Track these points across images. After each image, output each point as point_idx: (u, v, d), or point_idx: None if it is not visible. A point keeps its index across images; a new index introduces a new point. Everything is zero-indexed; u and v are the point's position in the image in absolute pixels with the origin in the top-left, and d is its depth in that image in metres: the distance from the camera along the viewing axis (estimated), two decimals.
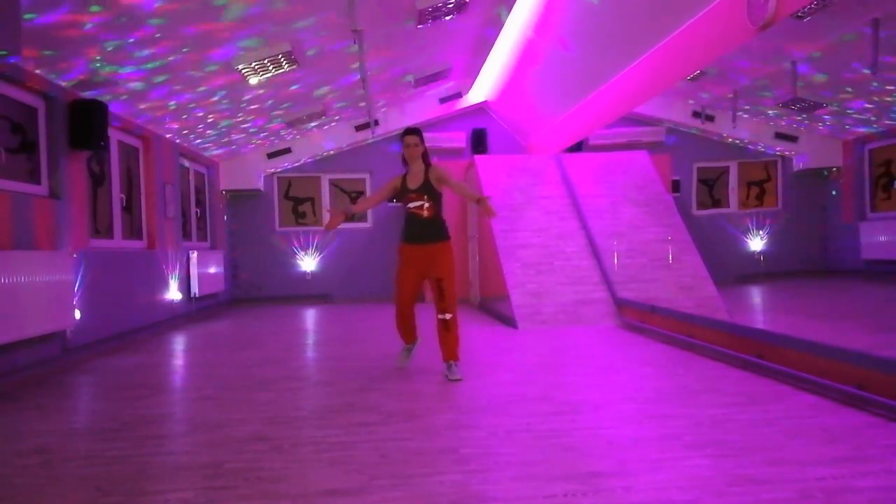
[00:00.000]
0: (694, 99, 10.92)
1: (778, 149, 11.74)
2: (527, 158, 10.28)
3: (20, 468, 3.07)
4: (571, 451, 3.05)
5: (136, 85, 6.48)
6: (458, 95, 11.50)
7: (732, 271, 11.50)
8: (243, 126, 9.30)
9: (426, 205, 4.80)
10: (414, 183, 4.84)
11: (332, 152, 11.63)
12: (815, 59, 7.99)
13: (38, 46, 5.07)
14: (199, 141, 9.34)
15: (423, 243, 4.82)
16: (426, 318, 5.69)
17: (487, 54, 9.30)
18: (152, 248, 8.04)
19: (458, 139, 11.89)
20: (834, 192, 11.70)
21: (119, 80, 6.23)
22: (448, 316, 4.77)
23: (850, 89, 9.09)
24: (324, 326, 8.49)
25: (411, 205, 4.82)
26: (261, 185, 11.35)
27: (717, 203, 12.20)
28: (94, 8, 4.80)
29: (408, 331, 5.09)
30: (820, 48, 7.39)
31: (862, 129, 10.78)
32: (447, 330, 4.77)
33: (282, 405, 4.12)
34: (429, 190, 4.81)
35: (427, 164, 4.88)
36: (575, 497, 2.50)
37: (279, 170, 11.62)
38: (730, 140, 11.83)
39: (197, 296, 9.30)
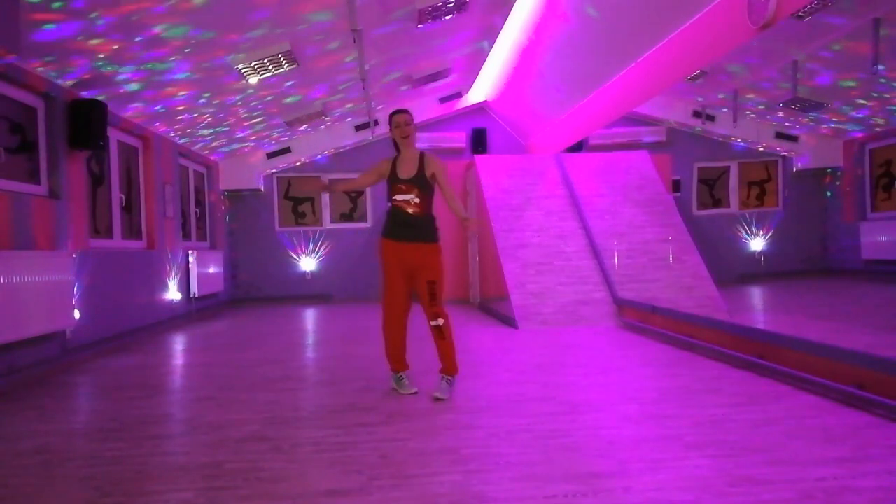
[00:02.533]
0: (694, 99, 10.91)
1: (778, 149, 11.74)
2: (527, 158, 10.28)
3: (20, 468, 3.07)
4: (571, 451, 3.05)
5: (135, 85, 6.48)
6: (458, 95, 11.50)
7: (733, 271, 11.50)
8: (243, 126, 9.29)
9: (415, 200, 4.20)
10: (405, 172, 4.23)
11: (332, 152, 11.62)
12: (816, 59, 7.99)
13: (38, 46, 5.06)
14: (198, 141, 9.34)
15: (408, 241, 4.23)
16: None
17: (487, 54, 9.29)
18: (152, 248, 8.04)
19: (458, 139, 11.89)
20: (829, 193, 11.70)
21: (119, 80, 6.22)
22: (441, 321, 4.20)
23: (850, 89, 9.09)
24: (324, 326, 8.49)
25: (398, 197, 4.22)
26: (260, 185, 11.35)
27: (717, 203, 12.20)
28: (93, 8, 4.80)
29: (401, 351, 4.40)
30: (820, 48, 7.39)
31: (862, 129, 10.78)
32: (442, 338, 4.22)
33: (282, 405, 4.12)
34: (421, 182, 4.20)
35: (421, 151, 4.32)
36: (575, 497, 2.50)
37: (279, 170, 11.62)
38: (730, 140, 11.83)
39: (196, 296, 9.29)
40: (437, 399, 4.12)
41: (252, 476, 2.84)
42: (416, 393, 4.30)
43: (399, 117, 4.29)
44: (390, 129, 4.35)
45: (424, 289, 4.23)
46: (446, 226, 4.85)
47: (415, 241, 4.23)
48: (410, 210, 4.20)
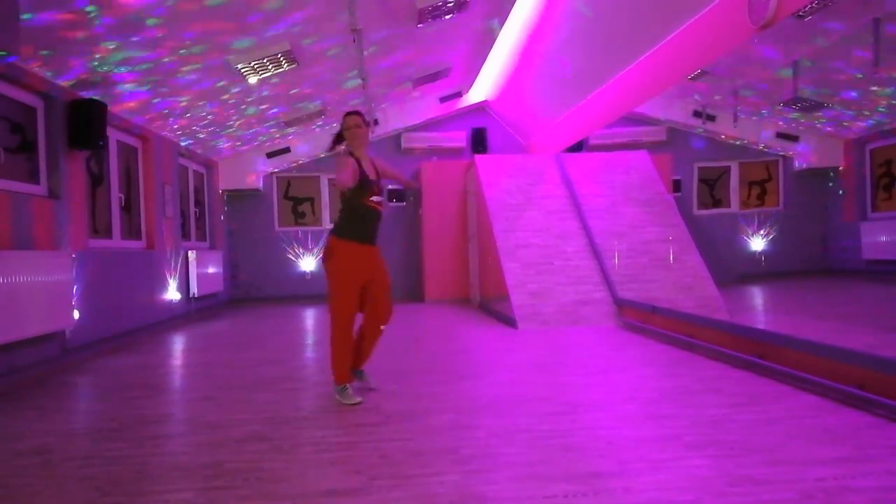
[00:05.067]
0: (694, 98, 10.91)
1: (779, 148, 11.74)
2: (527, 158, 10.27)
3: (20, 468, 3.06)
4: (571, 451, 3.05)
5: (135, 84, 6.48)
6: (458, 95, 11.50)
7: (733, 271, 11.50)
8: (243, 126, 9.29)
9: (381, 200, 4.34)
10: (371, 173, 4.28)
11: (331, 152, 11.60)
12: (817, 58, 7.98)
13: (37, 46, 5.06)
14: (198, 141, 9.33)
15: (374, 244, 4.28)
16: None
17: (487, 54, 9.29)
18: (151, 248, 8.04)
19: (458, 139, 11.89)
20: (841, 192, 11.69)
21: (118, 80, 6.22)
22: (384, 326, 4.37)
23: (851, 89, 9.08)
24: (323, 326, 8.48)
25: (375, 198, 4.25)
26: (260, 185, 11.35)
27: (717, 203, 12.19)
28: (92, 8, 4.80)
29: (352, 354, 4.29)
30: (820, 48, 7.39)
31: (863, 129, 10.78)
32: (377, 337, 4.43)
33: (282, 405, 4.12)
34: (380, 185, 4.38)
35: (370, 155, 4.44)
36: (575, 497, 2.50)
37: (278, 169, 11.62)
38: (730, 140, 11.82)
39: (196, 296, 9.29)
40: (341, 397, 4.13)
41: (252, 476, 2.84)
42: (361, 402, 4.07)
43: (350, 119, 4.32)
44: (342, 130, 4.37)
45: (383, 292, 4.32)
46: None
47: (376, 244, 4.31)
48: (381, 210, 4.31)
